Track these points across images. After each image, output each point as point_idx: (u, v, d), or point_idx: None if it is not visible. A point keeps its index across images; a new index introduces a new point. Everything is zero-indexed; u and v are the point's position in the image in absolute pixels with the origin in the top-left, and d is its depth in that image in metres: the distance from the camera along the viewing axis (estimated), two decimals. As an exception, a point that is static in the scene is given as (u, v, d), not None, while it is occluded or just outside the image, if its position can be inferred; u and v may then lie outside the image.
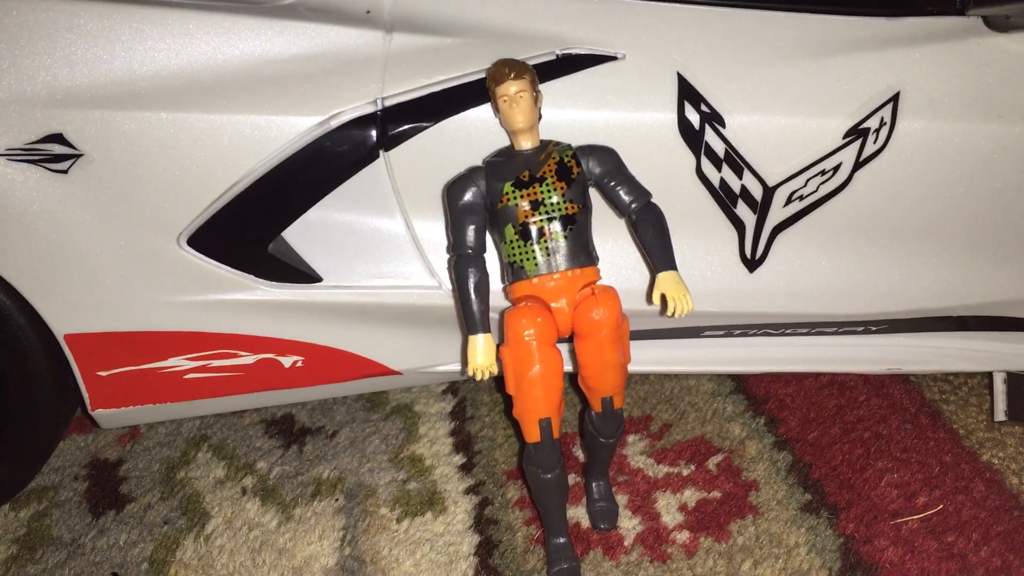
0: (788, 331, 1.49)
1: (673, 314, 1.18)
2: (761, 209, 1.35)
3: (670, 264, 1.21)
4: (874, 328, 1.49)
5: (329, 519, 1.42)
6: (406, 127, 1.25)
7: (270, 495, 1.47)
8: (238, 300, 1.33)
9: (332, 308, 1.35)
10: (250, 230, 1.29)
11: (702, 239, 1.38)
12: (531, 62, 1.25)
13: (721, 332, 1.49)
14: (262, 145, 1.23)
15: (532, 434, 1.21)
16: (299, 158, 1.24)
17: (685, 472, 1.47)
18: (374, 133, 1.24)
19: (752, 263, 1.40)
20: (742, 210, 1.35)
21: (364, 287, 1.35)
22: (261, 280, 1.32)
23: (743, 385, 1.68)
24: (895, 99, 1.30)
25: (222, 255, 1.30)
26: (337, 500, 1.46)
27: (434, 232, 1.34)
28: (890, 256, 1.41)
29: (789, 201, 1.35)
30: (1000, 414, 1.52)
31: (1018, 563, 1.26)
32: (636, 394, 1.66)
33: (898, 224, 1.39)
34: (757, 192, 1.34)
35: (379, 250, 1.35)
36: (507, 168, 1.20)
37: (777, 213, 1.36)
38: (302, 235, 1.33)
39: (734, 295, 1.41)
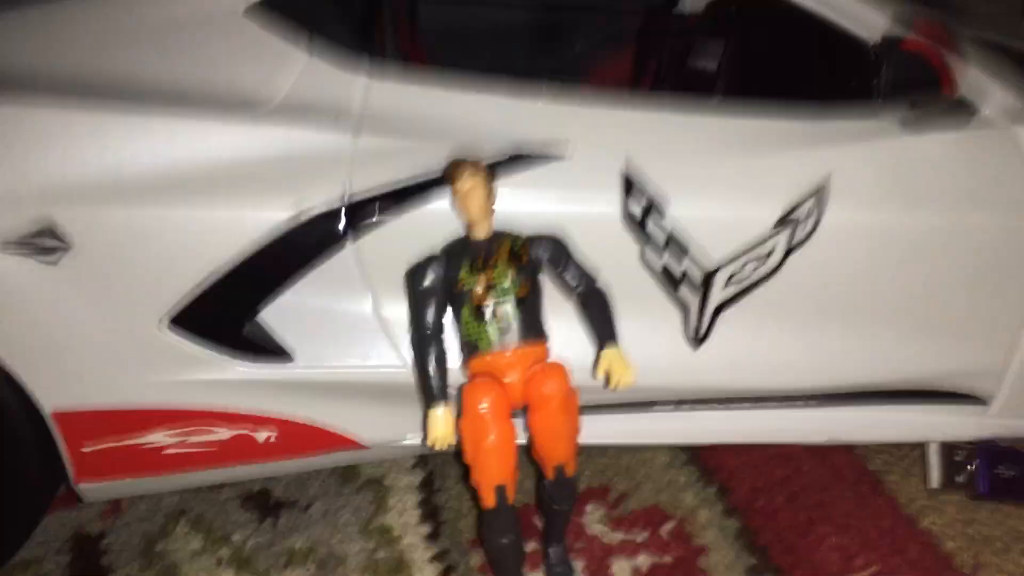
0: (733, 404, 1.59)
1: (616, 387, 1.28)
2: (703, 291, 1.47)
3: (612, 339, 1.31)
4: (813, 401, 1.59)
5: (300, 588, 1.49)
6: (371, 220, 1.37)
7: (244, 565, 1.55)
8: (215, 379, 1.42)
9: (304, 385, 1.45)
10: (227, 313, 1.40)
11: (648, 320, 1.49)
12: (486, 162, 1.37)
13: (670, 407, 1.59)
14: (239, 237, 1.35)
15: (489, 499, 1.29)
16: (271, 248, 1.35)
17: (639, 538, 1.56)
18: (341, 225, 1.36)
19: (696, 340, 1.51)
20: (684, 292, 1.47)
21: (334, 366, 1.45)
22: (237, 360, 1.42)
23: (696, 457, 1.76)
24: (821, 190, 1.42)
25: (201, 337, 1.40)
26: (308, 569, 1.53)
27: (400, 314, 1.44)
28: (823, 333, 1.52)
29: (728, 283, 1.46)
30: (934, 482, 1.61)
31: (946, 620, 1.35)
32: (596, 466, 1.75)
33: (829, 304, 1.51)
34: (698, 276, 1.45)
35: (348, 332, 1.45)
36: (463, 254, 1.31)
37: (717, 294, 1.47)
38: (276, 318, 1.43)
39: (681, 371, 1.51)
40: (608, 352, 1.30)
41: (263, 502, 1.71)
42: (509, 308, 1.29)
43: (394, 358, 1.45)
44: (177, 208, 1.34)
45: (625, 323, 1.42)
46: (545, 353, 1.33)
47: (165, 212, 1.34)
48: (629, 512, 1.63)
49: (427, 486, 1.72)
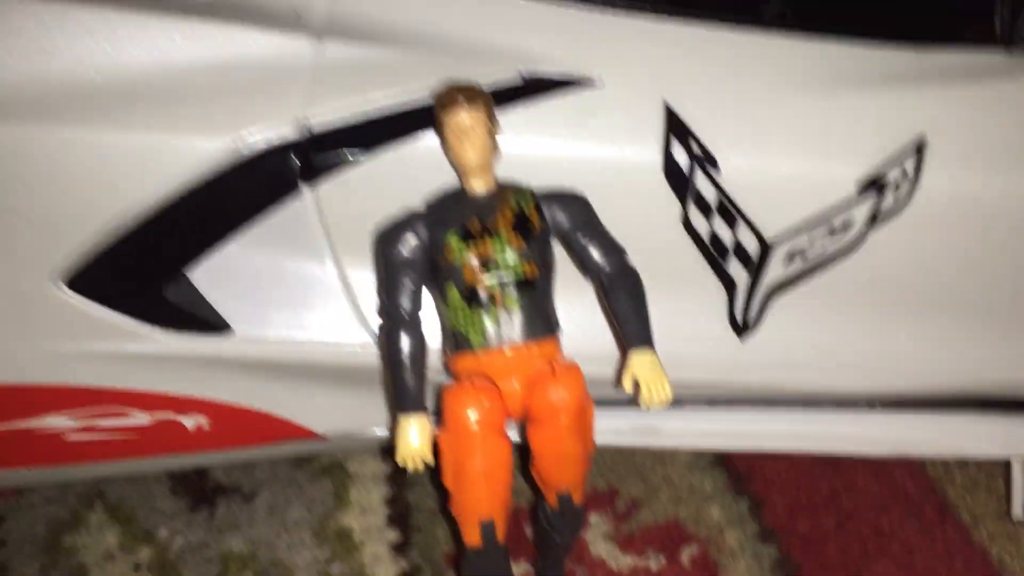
0: (780, 405, 1.29)
1: (648, 405, 0.97)
2: (757, 267, 1.15)
3: (646, 341, 0.99)
4: (879, 406, 1.29)
5: (234, 608, 1.21)
6: (335, 157, 1.03)
7: (169, 573, 1.26)
8: (129, 351, 1.11)
9: (244, 363, 1.14)
10: (143, 271, 1.07)
11: (685, 299, 1.17)
12: (489, 83, 1.04)
13: (702, 403, 1.29)
14: (159, 171, 1.01)
15: (471, 537, 1.00)
16: (203, 188, 1.02)
17: (653, 565, 1.27)
18: (295, 162, 1.03)
19: (742, 328, 1.19)
20: (734, 267, 1.15)
21: (283, 340, 1.13)
22: (157, 328, 1.10)
23: (724, 458, 1.46)
24: (920, 148, 1.10)
25: (109, 298, 1.08)
26: (246, 583, 1.24)
27: (370, 280, 1.12)
28: (904, 326, 1.21)
29: (790, 260, 1.14)
30: (1018, 510, 1.32)
31: None
32: (602, 462, 1.45)
33: (915, 291, 1.19)
34: (753, 248, 1.13)
35: (302, 297, 1.13)
36: (454, 215, 0.99)
37: (775, 272, 1.15)
38: (210, 276, 1.11)
39: (720, 364, 1.20)
40: (640, 358, 0.98)
41: (198, 487, 1.41)
42: (512, 292, 0.97)
43: (361, 333, 1.13)
44: (73, 127, 1.00)
45: (654, 302, 1.10)
46: (555, 350, 1.01)
47: (57, 132, 1.00)
48: (642, 527, 1.33)
49: (398, 478, 1.42)
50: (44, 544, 1.31)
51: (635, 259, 1.05)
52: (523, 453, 1.05)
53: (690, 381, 1.20)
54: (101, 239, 1.03)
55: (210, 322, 1.11)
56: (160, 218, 1.03)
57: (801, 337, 1.20)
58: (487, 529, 0.99)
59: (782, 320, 1.19)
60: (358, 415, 1.24)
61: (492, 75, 1.05)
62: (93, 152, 1.00)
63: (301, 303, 1.13)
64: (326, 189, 1.05)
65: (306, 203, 1.06)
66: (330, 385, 1.19)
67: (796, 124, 1.10)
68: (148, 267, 1.07)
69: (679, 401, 1.29)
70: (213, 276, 1.11)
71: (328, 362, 1.14)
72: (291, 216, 1.06)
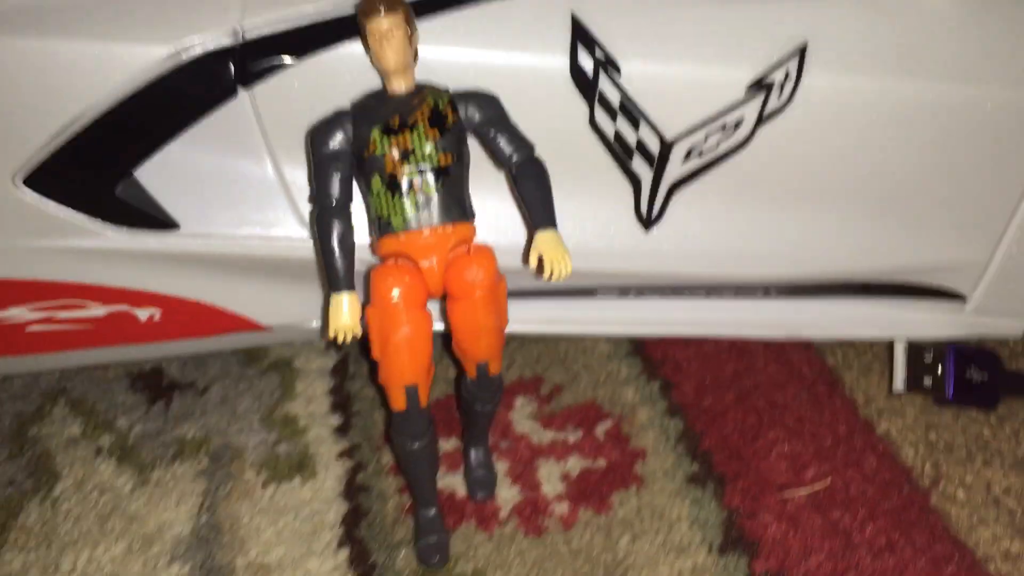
0: (685, 293, 1.42)
1: (550, 277, 1.09)
2: (658, 164, 1.26)
3: (549, 222, 1.11)
4: (774, 292, 1.43)
5: (189, 483, 1.32)
6: (269, 63, 1.13)
7: (127, 456, 1.37)
8: (84, 247, 1.21)
9: (191, 258, 1.24)
10: (95, 170, 1.17)
11: (595, 195, 1.29)
12: (409, -5, 1.14)
13: (615, 293, 1.42)
14: (104, 77, 1.10)
15: (398, 401, 1.12)
16: (147, 93, 1.11)
17: (571, 439, 1.40)
18: (232, 68, 1.12)
19: (648, 221, 1.31)
20: (638, 165, 1.26)
21: (227, 236, 1.23)
22: (109, 225, 1.20)
23: (640, 347, 1.60)
24: (802, 51, 1.21)
25: (64, 197, 1.18)
26: (200, 463, 1.36)
27: (305, 177, 1.23)
28: (792, 218, 1.34)
29: (688, 157, 1.26)
30: (899, 383, 1.47)
31: (903, 542, 1.22)
32: (529, 354, 1.58)
33: (801, 184, 1.32)
34: (654, 146, 1.24)
35: (245, 196, 1.24)
36: (376, 113, 1.09)
37: (675, 169, 1.27)
38: (158, 177, 1.21)
39: (628, 254, 1.33)
40: (544, 236, 1.10)
41: (155, 383, 1.52)
42: (429, 179, 1.08)
43: (299, 228, 1.24)
44: (28, 37, 1.09)
45: (567, 198, 1.23)
46: (470, 234, 1.13)
47: (12, 41, 1.09)
48: (562, 408, 1.47)
49: (340, 371, 1.55)
50: (11, 434, 1.42)
51: (548, 159, 1.16)
52: (447, 349, 1.18)
53: (602, 271, 1.33)
54: (53, 141, 1.13)
55: (158, 219, 1.21)
56: (107, 120, 1.12)
57: (700, 228, 1.33)
58: (411, 393, 1.11)
59: (683, 213, 1.31)
60: (299, 308, 1.35)
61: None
62: (45, 60, 1.09)
63: (242, 200, 1.23)
64: (262, 92, 1.15)
65: (244, 105, 1.16)
66: (272, 279, 1.29)
67: (692, 31, 1.21)
68: (97, 167, 1.17)
69: (592, 291, 1.42)
70: (160, 176, 1.20)
71: (269, 255, 1.25)
72: (230, 118, 1.16)
